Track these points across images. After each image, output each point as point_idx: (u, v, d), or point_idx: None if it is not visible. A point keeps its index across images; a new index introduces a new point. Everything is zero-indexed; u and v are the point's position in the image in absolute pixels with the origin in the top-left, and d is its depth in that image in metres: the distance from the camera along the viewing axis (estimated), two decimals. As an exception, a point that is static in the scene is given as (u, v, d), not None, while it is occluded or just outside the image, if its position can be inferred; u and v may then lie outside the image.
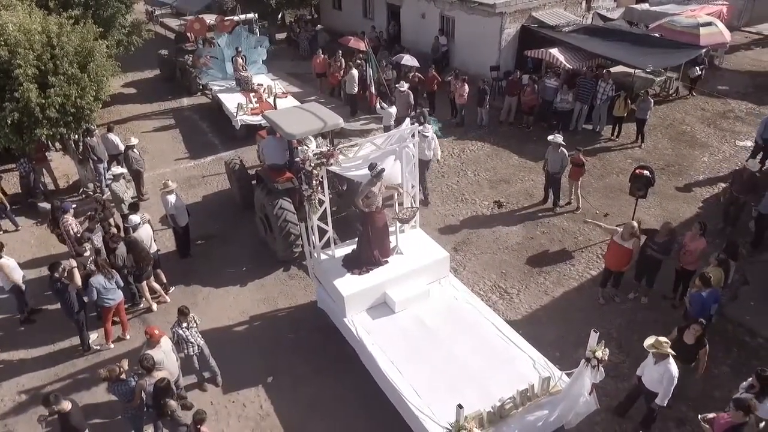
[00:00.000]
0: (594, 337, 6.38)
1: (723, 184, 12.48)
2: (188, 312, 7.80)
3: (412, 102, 15.62)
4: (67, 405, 6.67)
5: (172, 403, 6.63)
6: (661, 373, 6.82)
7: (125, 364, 7.29)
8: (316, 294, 9.39)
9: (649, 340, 6.89)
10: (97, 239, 9.54)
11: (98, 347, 9.23)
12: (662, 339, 6.81)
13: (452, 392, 6.88)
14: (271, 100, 15.86)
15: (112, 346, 9.24)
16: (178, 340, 7.77)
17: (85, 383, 8.60)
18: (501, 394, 6.69)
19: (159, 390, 6.73)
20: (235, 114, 15.35)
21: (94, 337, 9.34)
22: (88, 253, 9.21)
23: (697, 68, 16.89)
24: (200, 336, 8.05)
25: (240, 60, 17.38)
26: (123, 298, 9.16)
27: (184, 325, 7.75)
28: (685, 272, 9.25)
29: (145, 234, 9.76)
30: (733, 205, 11.20)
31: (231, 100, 16.15)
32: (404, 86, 15.46)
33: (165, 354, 7.38)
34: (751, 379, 6.83)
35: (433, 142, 12.15)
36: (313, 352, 8.94)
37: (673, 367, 6.77)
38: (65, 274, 8.56)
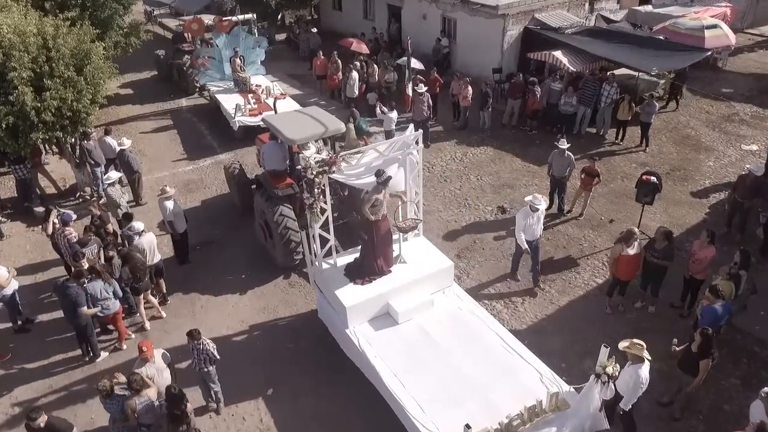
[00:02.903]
0: (604, 352, 6.22)
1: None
2: (198, 335, 7.45)
3: (431, 103, 15.07)
4: (44, 418, 6.48)
5: (189, 405, 6.50)
6: (630, 376, 6.61)
7: (121, 377, 7.09)
8: (317, 303, 9.21)
9: (624, 342, 6.68)
10: (91, 251, 9.30)
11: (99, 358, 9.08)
12: (637, 341, 6.62)
13: (457, 406, 6.75)
14: (270, 101, 15.67)
15: (124, 347, 9.14)
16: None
17: (81, 395, 8.39)
18: (507, 408, 6.53)
19: (173, 397, 6.56)
20: (233, 115, 15.18)
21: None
22: (87, 266, 8.98)
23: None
24: (211, 363, 7.59)
25: (238, 61, 17.22)
26: (121, 308, 8.96)
27: (196, 342, 7.49)
28: (694, 281, 9.09)
29: (147, 242, 9.54)
30: (738, 211, 11.05)
31: (229, 101, 15.98)
32: (423, 88, 14.80)
33: (158, 371, 7.14)
34: None
35: (542, 216, 9.84)
36: (314, 362, 8.75)
37: (644, 372, 6.54)
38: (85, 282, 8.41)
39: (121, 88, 20.11)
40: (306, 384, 8.41)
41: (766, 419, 6.20)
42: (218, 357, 7.60)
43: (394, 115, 14.48)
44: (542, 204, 9.50)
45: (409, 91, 14.81)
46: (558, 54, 15.65)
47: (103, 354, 9.08)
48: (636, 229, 9.19)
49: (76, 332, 8.83)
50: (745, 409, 7.17)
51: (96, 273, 8.51)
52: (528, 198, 9.61)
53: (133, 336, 9.39)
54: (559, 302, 9.83)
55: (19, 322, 9.59)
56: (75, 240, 9.65)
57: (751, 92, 17.68)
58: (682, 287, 9.36)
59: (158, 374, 7.11)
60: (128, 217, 9.86)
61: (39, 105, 10.99)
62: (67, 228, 9.81)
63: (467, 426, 5.76)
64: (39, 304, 10.13)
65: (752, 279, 8.64)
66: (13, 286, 9.24)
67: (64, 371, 8.86)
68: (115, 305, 8.73)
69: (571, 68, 15.55)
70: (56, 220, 10.08)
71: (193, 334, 7.42)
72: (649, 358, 6.61)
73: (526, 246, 9.62)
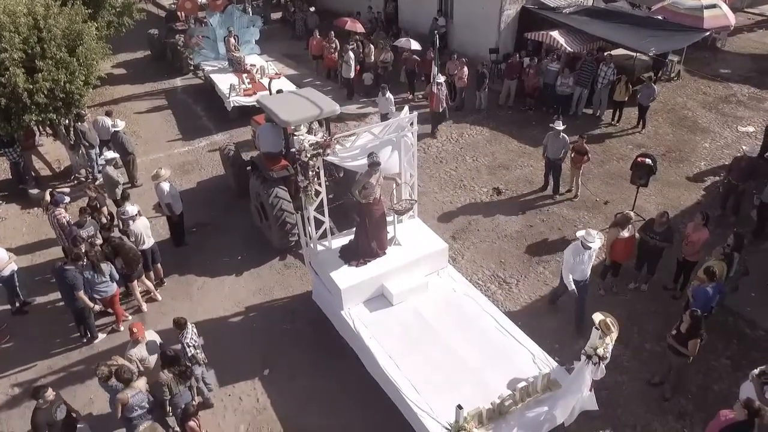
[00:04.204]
0: (595, 333, 6.28)
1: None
2: (183, 325, 7.44)
3: (448, 92, 14.62)
4: (51, 393, 6.58)
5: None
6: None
7: (119, 360, 7.14)
8: (312, 285, 9.27)
9: (599, 316, 6.44)
10: (87, 232, 9.30)
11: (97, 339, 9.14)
12: (611, 321, 6.54)
13: (451, 387, 6.83)
14: (264, 81, 15.56)
15: (121, 328, 9.19)
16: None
17: (79, 376, 8.47)
18: (500, 389, 6.63)
19: (170, 359, 6.68)
20: (227, 95, 15.08)
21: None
22: (84, 249, 8.99)
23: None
24: (190, 362, 7.47)
25: (232, 40, 17.03)
26: (117, 290, 9.00)
27: (184, 334, 7.46)
28: (687, 263, 9.16)
29: (143, 225, 9.54)
30: (732, 193, 11.08)
31: (223, 81, 15.86)
32: (441, 78, 14.44)
33: (149, 353, 7.21)
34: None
35: (594, 254, 8.59)
36: (310, 343, 8.83)
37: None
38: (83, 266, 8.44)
39: (114, 68, 19.90)
40: (302, 364, 8.50)
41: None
42: (207, 361, 7.65)
43: (390, 97, 14.35)
44: (596, 241, 8.19)
45: (434, 89, 14.14)
46: (555, 34, 15.50)
47: (101, 335, 9.16)
48: (631, 213, 9.26)
49: (73, 314, 8.88)
50: (734, 389, 7.31)
51: (90, 261, 8.51)
52: (580, 233, 8.28)
53: (130, 318, 9.44)
54: (553, 283, 9.87)
55: (17, 304, 9.63)
56: (66, 221, 9.66)
57: (749, 73, 17.58)
58: (675, 269, 9.43)
59: (150, 357, 7.16)
60: (126, 197, 9.86)
61: (31, 87, 10.88)
62: (57, 209, 9.80)
63: (459, 406, 5.85)
64: (36, 285, 10.16)
65: (744, 260, 8.71)
66: (11, 267, 9.27)
67: (62, 353, 8.93)
68: (112, 288, 8.76)
69: (569, 48, 15.41)
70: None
71: (179, 323, 7.37)
72: (611, 342, 6.45)
73: (573, 287, 8.43)
